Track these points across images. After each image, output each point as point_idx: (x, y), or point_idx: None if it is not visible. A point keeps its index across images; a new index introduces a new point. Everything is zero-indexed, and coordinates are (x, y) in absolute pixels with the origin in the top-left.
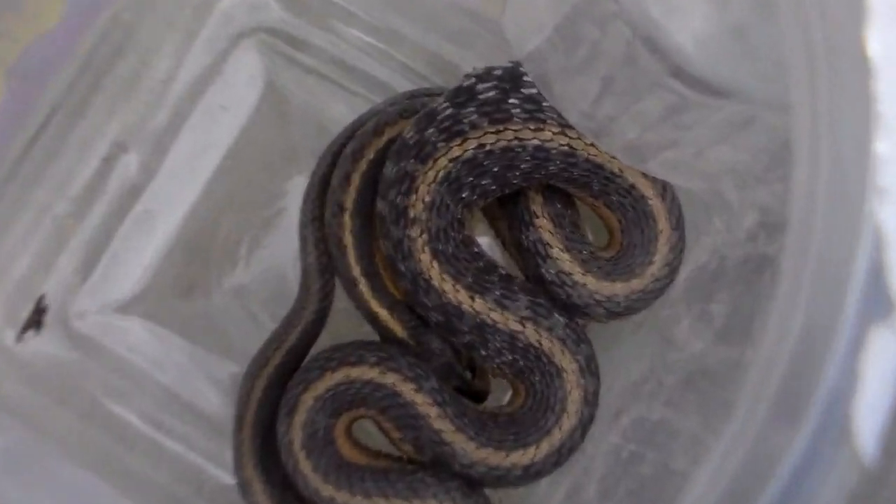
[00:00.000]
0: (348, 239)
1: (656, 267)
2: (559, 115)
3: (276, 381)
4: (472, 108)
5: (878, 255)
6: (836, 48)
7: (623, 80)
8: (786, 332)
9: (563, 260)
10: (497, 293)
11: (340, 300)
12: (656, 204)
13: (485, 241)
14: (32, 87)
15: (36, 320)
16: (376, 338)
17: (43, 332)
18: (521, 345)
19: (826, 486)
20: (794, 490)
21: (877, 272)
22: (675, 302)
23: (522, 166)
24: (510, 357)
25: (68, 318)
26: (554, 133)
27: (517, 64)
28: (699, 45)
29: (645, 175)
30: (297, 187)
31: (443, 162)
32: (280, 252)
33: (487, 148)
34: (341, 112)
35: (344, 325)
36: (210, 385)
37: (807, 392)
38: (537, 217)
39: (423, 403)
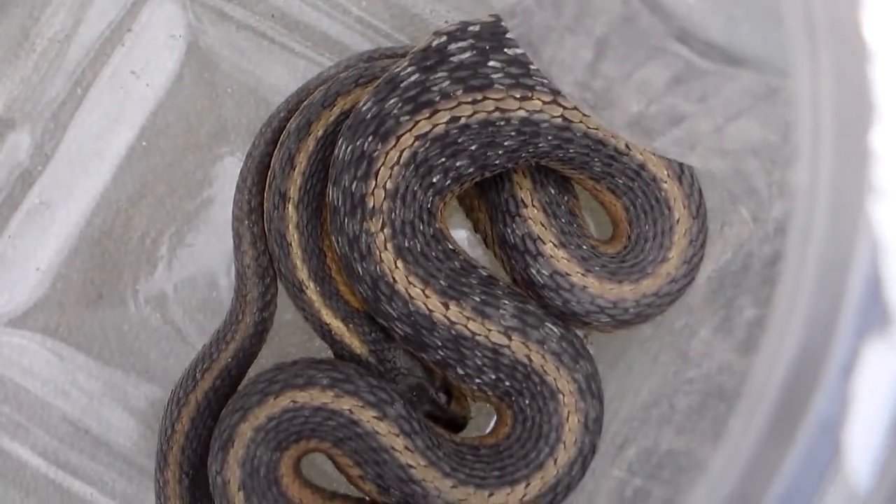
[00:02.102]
0: (293, 234)
1: (672, 264)
2: (549, 82)
3: (208, 409)
4: (443, 74)
5: (876, 264)
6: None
7: (621, 43)
8: (782, 341)
9: (557, 258)
10: (476, 299)
11: (285, 310)
12: (671, 187)
13: (461, 237)
14: None
15: None
16: (330, 354)
17: None
18: (506, 361)
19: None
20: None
21: (875, 283)
22: (694, 308)
23: (506, 143)
24: (493, 376)
25: None
26: (545, 102)
27: (498, 19)
28: (709, 4)
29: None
30: (228, 172)
31: (408, 139)
32: (209, 252)
33: (463, 121)
34: (282, 78)
35: (289, 340)
36: (126, 415)
37: (799, 414)
38: (526, 206)
39: (388, 434)
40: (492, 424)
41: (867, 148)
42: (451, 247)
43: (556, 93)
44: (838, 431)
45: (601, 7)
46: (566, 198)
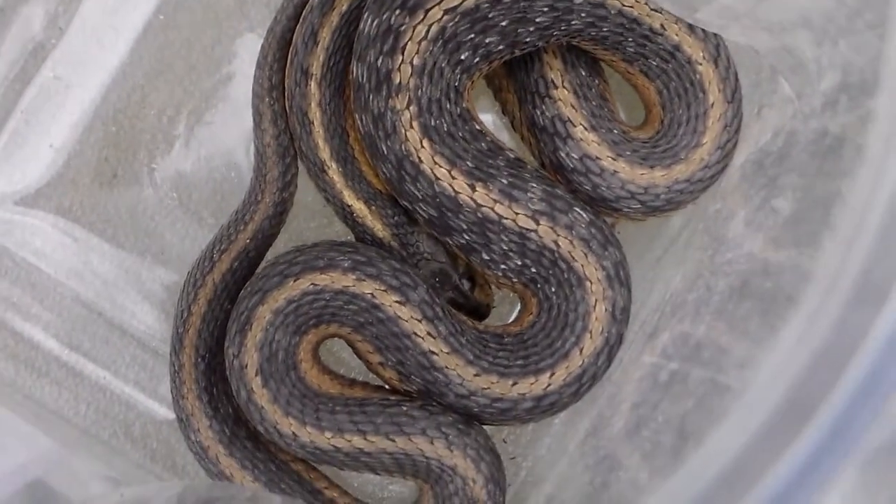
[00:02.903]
0: (315, 113)
1: (706, 150)
2: None
3: (224, 292)
4: None
5: None
6: None
7: None
8: (870, 205)
9: (588, 141)
10: (504, 181)
11: (305, 192)
12: (707, 70)
13: (487, 120)
14: None
15: None
16: (351, 238)
17: None
18: (532, 247)
19: None
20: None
21: None
22: (729, 193)
23: (538, 20)
24: (519, 262)
25: None
26: None
27: None
28: None
29: (693, 32)
30: (248, 48)
31: (436, 13)
32: (228, 130)
33: None
34: None
35: (309, 223)
36: (140, 298)
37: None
38: (556, 87)
39: (410, 319)
40: (516, 313)
41: None
42: (478, 127)
43: None
44: None
45: None
46: (597, 81)
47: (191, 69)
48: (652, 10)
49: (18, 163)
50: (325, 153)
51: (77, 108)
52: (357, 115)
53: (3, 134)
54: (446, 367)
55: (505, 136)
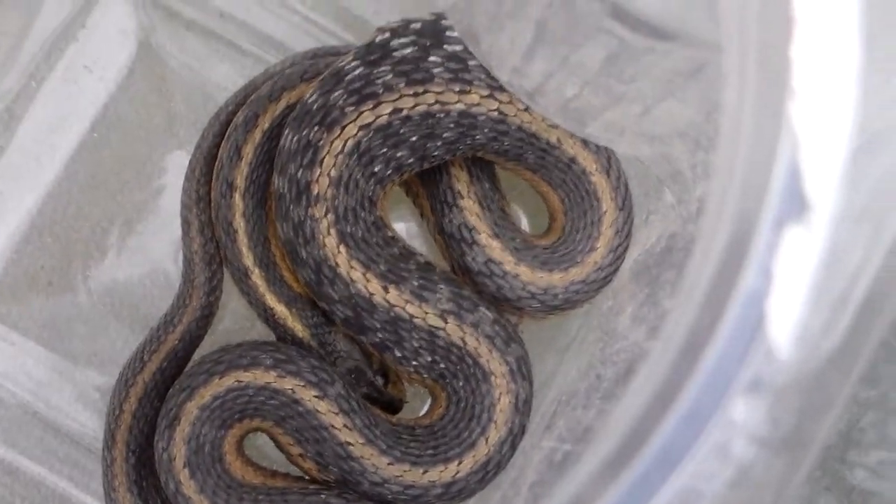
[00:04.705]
0: (239, 222)
1: (599, 254)
2: (488, 76)
3: (154, 390)
4: (386, 68)
5: (795, 158)
6: None
7: (558, 24)
8: (713, 233)
9: (491, 247)
10: (414, 283)
11: (230, 295)
12: (599, 180)
13: (400, 228)
14: None
15: None
16: (273, 338)
17: None
18: (441, 344)
19: (742, 373)
20: (712, 383)
21: (794, 175)
22: (620, 291)
23: (445, 135)
24: (429, 359)
25: None
26: (482, 96)
27: (439, 16)
28: None
29: (586, 145)
30: (177, 164)
31: (352, 129)
32: (158, 240)
33: (404, 113)
34: (229, 76)
35: (233, 325)
36: (74, 399)
37: (725, 294)
38: (462, 197)
39: (328, 412)
40: (426, 406)
41: (788, 59)
42: (390, 234)
43: (492, 88)
44: (762, 302)
45: None
46: (498, 195)
47: (123, 183)
48: (549, 125)
49: None
50: (248, 260)
51: (14, 220)
52: (278, 224)
53: None
54: (361, 457)
55: (416, 242)
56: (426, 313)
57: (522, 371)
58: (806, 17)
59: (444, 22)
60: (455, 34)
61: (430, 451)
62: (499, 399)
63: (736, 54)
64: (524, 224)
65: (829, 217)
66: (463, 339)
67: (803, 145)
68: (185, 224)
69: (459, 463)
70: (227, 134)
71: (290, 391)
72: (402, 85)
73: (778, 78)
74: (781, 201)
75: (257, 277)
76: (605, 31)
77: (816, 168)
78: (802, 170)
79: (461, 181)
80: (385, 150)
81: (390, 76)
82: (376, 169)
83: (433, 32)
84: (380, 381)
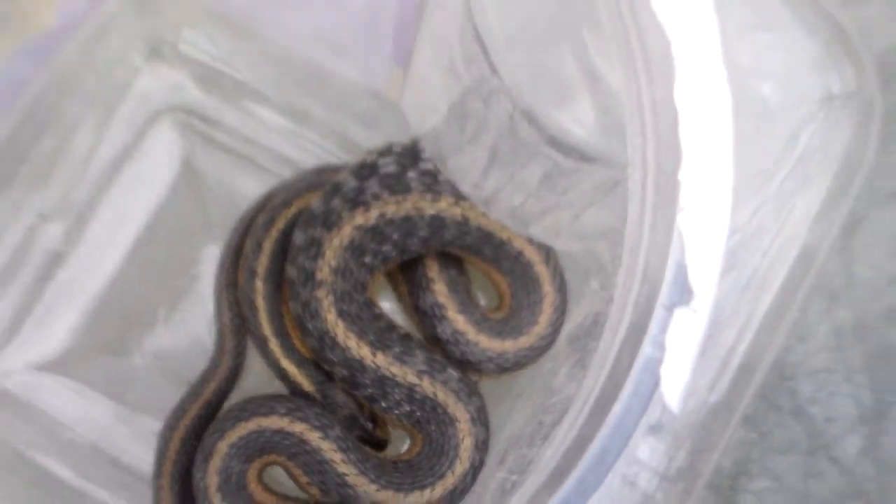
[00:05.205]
0: (260, 302)
1: (542, 327)
2: (453, 188)
3: (193, 432)
4: (374, 181)
5: (682, 257)
6: (657, 104)
7: (506, 149)
8: (621, 314)
9: (457, 321)
10: (397, 350)
11: (252, 359)
12: (541, 269)
13: (386, 306)
14: None
15: None
16: (286, 392)
17: None
18: (418, 397)
19: (643, 422)
20: (619, 429)
21: (681, 269)
22: (557, 355)
23: (421, 234)
24: (408, 408)
25: None
26: (449, 204)
27: (416, 141)
28: (574, 120)
29: (531, 242)
30: (211, 256)
31: (348, 229)
32: (195, 315)
33: (388, 217)
34: (253, 187)
35: (255, 381)
36: (133, 440)
37: (630, 361)
38: (434, 283)
39: (329, 450)
40: (406, 445)
41: (677, 182)
42: (377, 311)
43: (457, 197)
44: (658, 368)
45: (492, 123)
46: (462, 279)
47: (169, 271)
48: (501, 227)
49: (42, 340)
50: (267, 331)
51: (85, 300)
52: (290, 303)
53: (30, 320)
54: (356, 485)
55: (398, 318)
56: (406, 373)
57: (481, 418)
58: (691, 151)
59: (419, 146)
60: (428, 155)
61: (409, 480)
62: (462, 440)
63: (639, 177)
64: (482, 302)
65: (710, 301)
66: (434, 393)
67: (688, 247)
68: (218, 303)
69: (432, 490)
70: (250, 233)
71: (299, 433)
72: (386, 195)
73: (670, 196)
74: (672, 289)
75: (274, 345)
76: (543, 155)
77: (698, 264)
78: (688, 266)
79: (433, 269)
80: (373, 245)
81: (377, 188)
82: (366, 260)
83: (411, 154)
84: (370, 425)
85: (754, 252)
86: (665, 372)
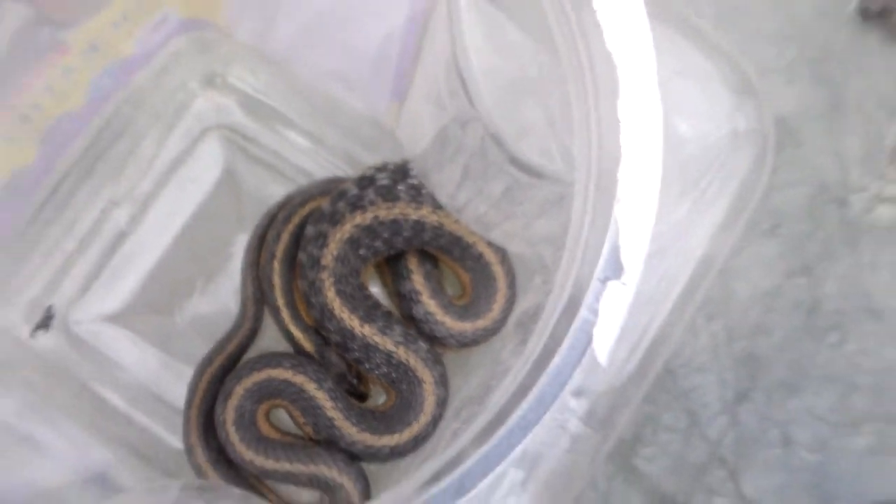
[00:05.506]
0: (276, 279)
1: (495, 314)
2: (433, 199)
3: (217, 376)
4: (371, 190)
5: (616, 240)
6: (602, 116)
7: (476, 167)
8: (563, 288)
9: (429, 305)
10: (380, 324)
11: (267, 324)
12: (497, 269)
13: (374, 290)
14: (55, 152)
15: (45, 323)
16: (292, 351)
17: (50, 333)
18: (394, 361)
19: (575, 378)
20: (556, 379)
21: (616, 250)
22: (505, 336)
23: (405, 234)
24: (386, 370)
25: (68, 324)
26: (429, 212)
27: (406, 161)
28: (530, 147)
29: (490, 245)
30: (241, 242)
31: (348, 227)
32: (225, 288)
33: (380, 219)
34: (277, 190)
35: (269, 342)
36: (172, 382)
37: (568, 324)
38: (412, 273)
39: (322, 398)
40: (382, 399)
41: (616, 178)
42: (367, 293)
43: (435, 206)
44: (591, 329)
45: (467, 145)
46: (436, 272)
47: (207, 252)
48: (469, 231)
49: (107, 298)
50: (280, 302)
51: (140, 272)
52: (300, 281)
53: (97, 283)
54: (341, 427)
55: (383, 299)
56: (386, 342)
57: (443, 381)
58: (628, 154)
59: (408, 165)
60: (414, 173)
61: (383, 426)
62: (427, 398)
63: (584, 174)
64: (449, 291)
65: (636, 278)
66: (407, 360)
67: (622, 232)
68: (243, 279)
69: (401, 435)
70: (272, 226)
71: (299, 384)
72: (380, 202)
73: (609, 189)
74: (606, 265)
75: (285, 314)
76: (506, 173)
77: (630, 246)
78: (621, 247)
79: (413, 263)
80: (367, 240)
81: (373, 196)
82: (361, 252)
83: (401, 171)
84: (355, 382)
85: (669, 253)
86: (597, 333)
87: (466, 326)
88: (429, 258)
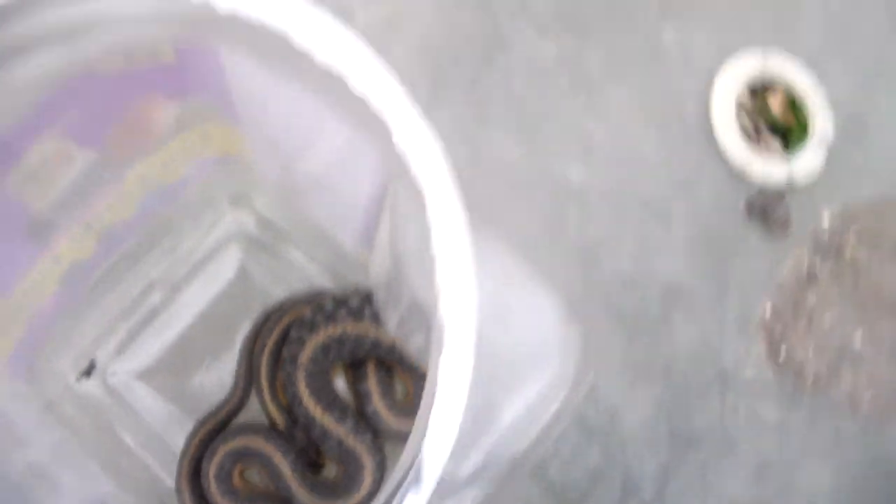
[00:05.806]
0: (263, 367)
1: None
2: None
3: (209, 435)
4: (344, 310)
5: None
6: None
7: (408, 319)
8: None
9: (379, 405)
10: (337, 414)
11: (253, 400)
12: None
13: (339, 384)
14: (108, 248)
15: (88, 372)
16: (268, 425)
17: (91, 380)
18: (344, 446)
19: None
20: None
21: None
22: None
23: (366, 347)
24: (338, 451)
25: (106, 375)
26: (386, 333)
27: (371, 291)
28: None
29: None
30: (244, 329)
31: (322, 336)
32: (226, 365)
33: (348, 333)
34: (279, 292)
35: (251, 414)
36: (179, 432)
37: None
38: (369, 378)
39: (285, 467)
40: (334, 472)
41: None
42: (332, 388)
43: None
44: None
45: (403, 294)
46: (388, 377)
47: (218, 335)
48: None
49: (136, 359)
50: (264, 384)
51: (168, 341)
52: (280, 371)
53: (132, 346)
54: (297, 493)
55: (346, 394)
56: (339, 430)
57: (381, 467)
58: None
59: (372, 294)
60: (376, 301)
61: (332, 494)
62: (366, 478)
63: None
64: (399, 393)
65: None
66: (354, 447)
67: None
68: (239, 360)
69: (345, 501)
70: (266, 323)
71: (269, 453)
72: (349, 319)
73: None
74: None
75: (266, 394)
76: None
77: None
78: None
79: (370, 368)
80: (336, 348)
81: (345, 314)
82: (330, 356)
83: (368, 298)
84: (314, 456)
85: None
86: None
87: (403, 425)
88: (384, 366)
